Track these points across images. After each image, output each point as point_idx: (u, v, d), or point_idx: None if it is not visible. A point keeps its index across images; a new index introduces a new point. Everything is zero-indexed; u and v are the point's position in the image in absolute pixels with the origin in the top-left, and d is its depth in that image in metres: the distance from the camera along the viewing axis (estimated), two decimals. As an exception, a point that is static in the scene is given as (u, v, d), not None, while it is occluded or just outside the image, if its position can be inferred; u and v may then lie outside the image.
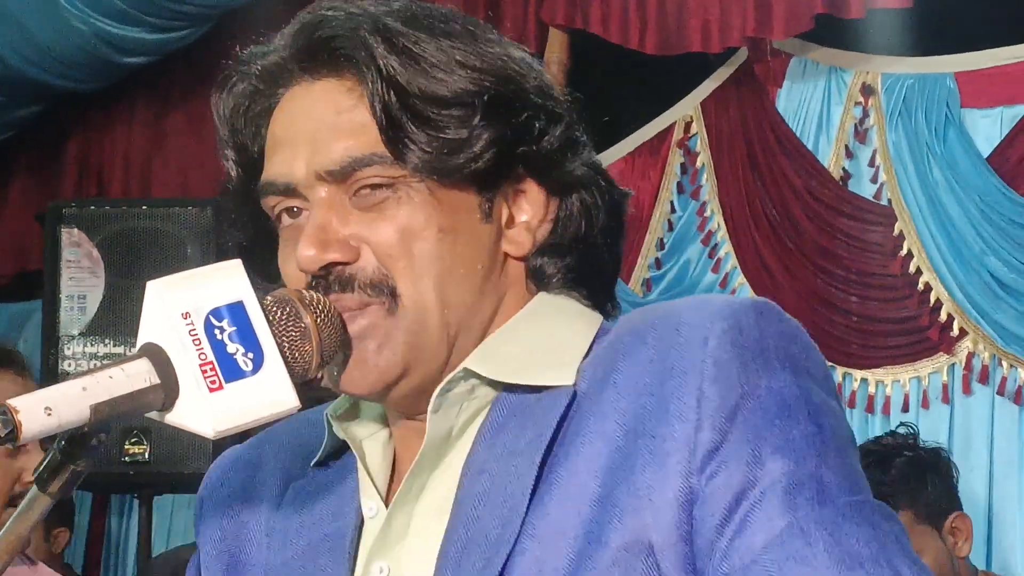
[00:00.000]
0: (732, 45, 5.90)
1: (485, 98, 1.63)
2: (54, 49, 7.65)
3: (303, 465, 1.77)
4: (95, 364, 6.73)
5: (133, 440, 5.97)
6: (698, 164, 6.24)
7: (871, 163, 5.79)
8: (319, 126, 1.65)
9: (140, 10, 7.34)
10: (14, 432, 1.45)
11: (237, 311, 1.55)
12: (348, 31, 1.65)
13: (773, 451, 1.52)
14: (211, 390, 1.52)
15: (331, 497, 1.73)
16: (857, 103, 5.82)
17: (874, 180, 5.78)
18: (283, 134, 1.69)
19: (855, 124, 5.83)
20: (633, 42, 5.98)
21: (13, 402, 1.46)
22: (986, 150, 5.57)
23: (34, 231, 7.63)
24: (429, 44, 1.64)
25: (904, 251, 5.65)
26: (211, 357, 1.52)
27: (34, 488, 1.56)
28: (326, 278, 1.64)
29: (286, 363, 1.56)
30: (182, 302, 1.54)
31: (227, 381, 1.52)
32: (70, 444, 1.53)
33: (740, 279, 6.09)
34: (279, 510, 1.76)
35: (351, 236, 1.64)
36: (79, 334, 6.73)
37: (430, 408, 1.63)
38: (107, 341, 6.73)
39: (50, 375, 6.77)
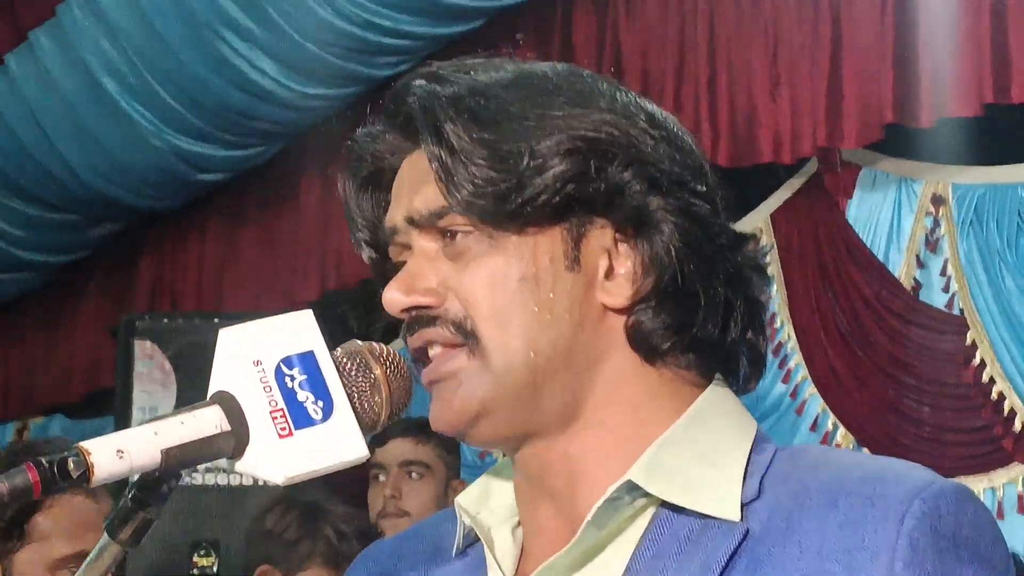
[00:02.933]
0: (803, 155, 5.92)
1: (549, 146, 1.63)
2: (131, 166, 7.76)
3: (443, 555, 1.78)
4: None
5: (202, 552, 5.99)
6: (768, 275, 6.23)
7: (942, 272, 5.77)
8: (412, 181, 1.69)
9: (216, 127, 7.44)
10: (86, 474, 1.46)
11: (308, 360, 1.56)
12: (419, 104, 1.68)
13: None
14: (281, 436, 1.52)
15: None
16: (928, 213, 5.82)
17: (945, 289, 5.76)
18: (394, 193, 1.73)
19: (926, 234, 5.83)
20: (706, 154, 5.99)
21: (86, 444, 1.48)
22: (1058, 258, 5.56)
23: (107, 350, 7.70)
24: (501, 99, 1.66)
25: (977, 360, 5.61)
26: (281, 404, 1.53)
27: (105, 536, 1.57)
28: (411, 321, 1.66)
29: (355, 413, 1.57)
30: (254, 350, 1.55)
31: (297, 428, 1.53)
32: (140, 491, 1.54)
33: (811, 389, 6.05)
34: None
35: (440, 283, 1.66)
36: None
37: (590, 518, 1.61)
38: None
39: (121, 489, 6.82)
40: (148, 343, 6.39)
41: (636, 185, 1.65)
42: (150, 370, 6.36)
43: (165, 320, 6.53)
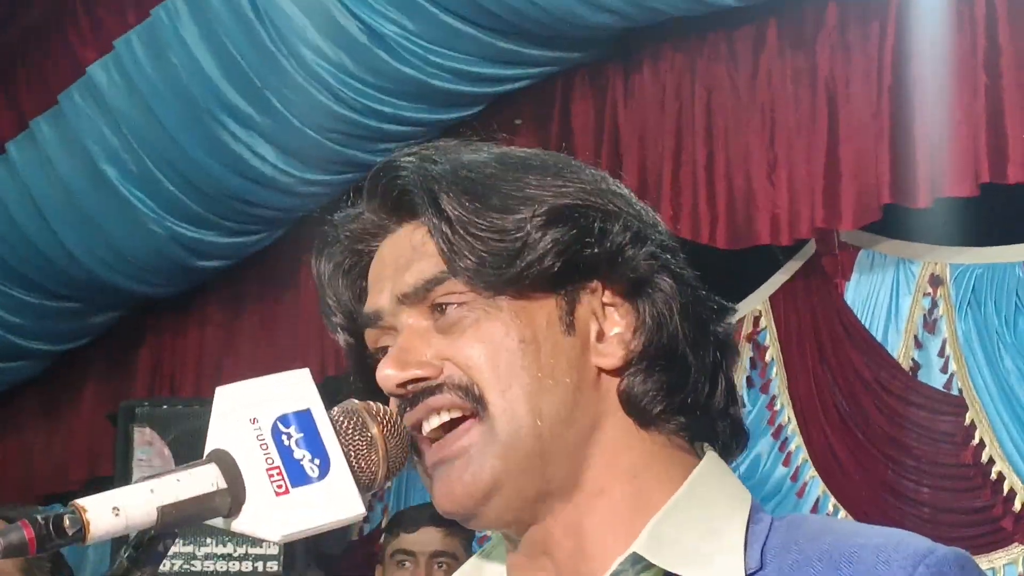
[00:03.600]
0: (801, 237, 5.93)
1: (542, 213, 1.66)
2: (130, 252, 7.76)
3: None
4: (165, 564, 6.78)
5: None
6: (767, 358, 6.24)
7: (941, 353, 5.77)
8: (398, 260, 1.71)
9: (215, 214, 7.45)
10: (82, 531, 1.47)
11: (304, 418, 1.57)
12: (413, 179, 1.70)
13: None
14: (277, 494, 1.52)
15: None
16: (926, 294, 5.83)
17: (944, 370, 5.76)
18: (373, 276, 1.74)
19: (924, 315, 5.83)
20: (704, 236, 6.03)
21: (82, 502, 1.49)
22: (1057, 340, 5.56)
23: (106, 438, 7.69)
24: (487, 173, 1.70)
25: (976, 440, 5.58)
26: (278, 462, 1.54)
27: (103, 595, 1.57)
28: (409, 396, 1.66)
29: (352, 472, 1.57)
30: (250, 408, 1.56)
31: (293, 486, 1.53)
32: (136, 550, 1.54)
33: (811, 472, 6.03)
34: None
35: (434, 356, 1.67)
36: (149, 533, 6.75)
37: None
38: (177, 540, 6.75)
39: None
40: (147, 429, 6.39)
41: (629, 249, 1.68)
42: (149, 457, 6.36)
43: (164, 406, 6.54)
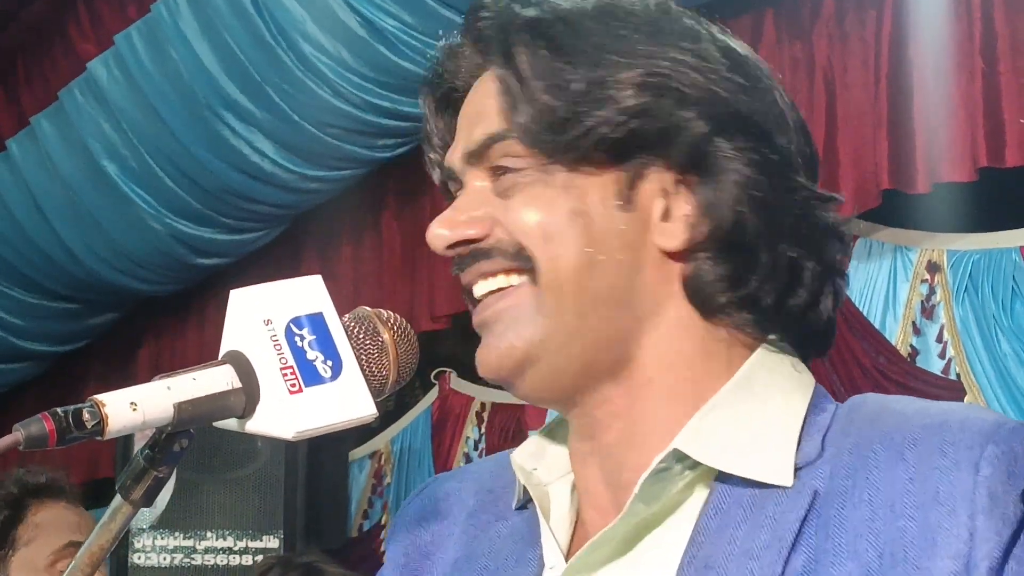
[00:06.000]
0: (800, 225, 5.94)
1: (621, 77, 1.58)
2: (129, 250, 7.79)
3: (501, 505, 1.73)
4: (165, 557, 6.79)
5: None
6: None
7: (939, 339, 5.79)
8: (471, 110, 1.67)
9: (215, 210, 7.47)
10: (100, 424, 1.49)
11: (317, 321, 1.59)
12: (496, 22, 1.65)
13: None
14: (291, 392, 1.53)
15: (517, 541, 1.69)
16: (923, 280, 5.84)
17: (942, 355, 5.77)
18: (458, 126, 1.70)
19: (922, 301, 5.85)
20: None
21: (100, 397, 1.51)
22: (1054, 322, 5.58)
23: (106, 440, 7.68)
24: (580, 24, 1.62)
25: (974, 424, 5.59)
26: (291, 362, 1.55)
27: (117, 497, 1.59)
28: (460, 258, 1.64)
29: (364, 375, 1.58)
30: (264, 310, 1.58)
31: (307, 385, 1.54)
32: (153, 450, 1.56)
33: (810, 459, 6.04)
34: (467, 546, 1.72)
35: (484, 216, 1.62)
36: (149, 527, 6.76)
37: (636, 492, 1.55)
38: (177, 534, 6.78)
39: (121, 569, 6.80)
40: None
41: (702, 127, 1.58)
42: (149, 452, 6.35)
43: (164, 402, 6.53)
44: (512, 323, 1.60)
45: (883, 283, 5.96)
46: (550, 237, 1.58)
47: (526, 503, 1.70)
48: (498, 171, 1.63)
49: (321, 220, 7.50)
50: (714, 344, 1.61)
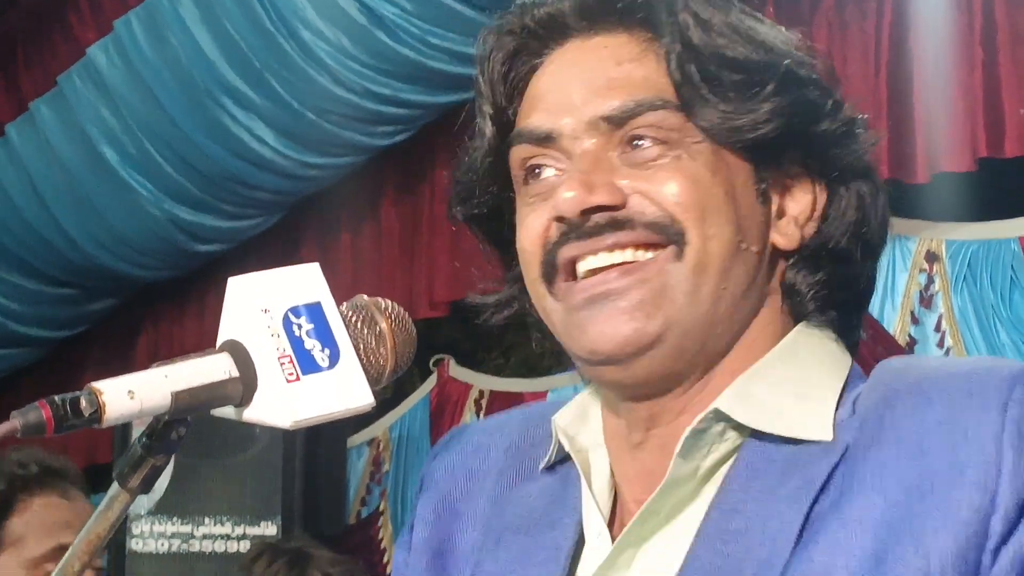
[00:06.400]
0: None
1: (777, 71, 1.57)
2: (128, 235, 7.78)
3: (529, 463, 1.72)
4: (163, 543, 6.80)
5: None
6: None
7: (937, 328, 5.79)
8: (596, 75, 1.61)
9: (214, 197, 7.46)
10: (98, 412, 1.49)
11: (315, 310, 1.58)
12: None
13: None
14: (288, 381, 1.53)
15: (551, 504, 1.68)
16: (922, 270, 5.84)
17: (940, 345, 5.77)
18: (551, 86, 1.64)
19: (920, 290, 5.85)
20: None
21: (98, 384, 1.51)
22: (1052, 312, 5.58)
23: (104, 426, 7.68)
24: (728, 14, 1.61)
25: (972, 414, 5.59)
26: (289, 351, 1.55)
27: (114, 485, 1.58)
28: (583, 226, 1.58)
29: (361, 364, 1.58)
30: (262, 298, 1.58)
31: (304, 374, 1.54)
32: (150, 438, 1.56)
33: (808, 448, 6.04)
34: (497, 505, 1.71)
35: (620, 185, 1.57)
36: (147, 513, 6.77)
37: (677, 451, 1.55)
38: (175, 520, 6.78)
39: (119, 555, 6.80)
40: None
41: (840, 138, 1.61)
42: (147, 438, 6.35)
43: (162, 388, 6.53)
44: (650, 299, 1.56)
45: (882, 272, 5.95)
46: (707, 215, 1.56)
47: (554, 464, 1.69)
48: (633, 141, 1.59)
49: (320, 207, 7.49)
50: (782, 331, 1.63)
